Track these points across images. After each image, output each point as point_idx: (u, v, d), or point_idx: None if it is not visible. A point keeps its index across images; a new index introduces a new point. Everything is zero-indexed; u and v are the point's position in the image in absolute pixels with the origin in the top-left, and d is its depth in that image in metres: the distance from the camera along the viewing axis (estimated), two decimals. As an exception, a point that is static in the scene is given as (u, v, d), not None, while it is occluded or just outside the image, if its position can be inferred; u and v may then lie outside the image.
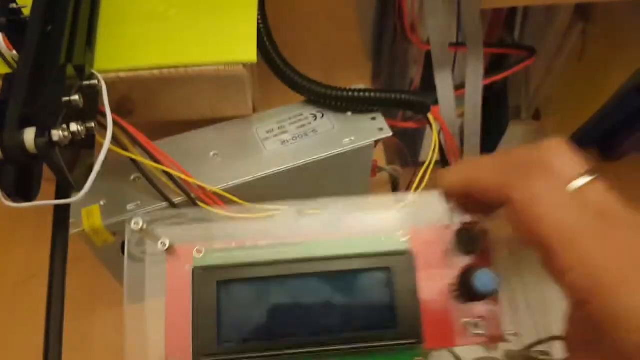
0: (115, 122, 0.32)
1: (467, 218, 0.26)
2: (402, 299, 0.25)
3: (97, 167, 0.29)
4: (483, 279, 0.24)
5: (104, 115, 0.31)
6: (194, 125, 0.40)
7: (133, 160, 0.34)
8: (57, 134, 0.26)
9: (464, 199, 0.25)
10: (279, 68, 0.39)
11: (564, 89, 0.62)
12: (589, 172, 0.22)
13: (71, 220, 0.33)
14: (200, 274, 0.25)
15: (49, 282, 0.30)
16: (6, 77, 0.29)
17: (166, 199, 0.35)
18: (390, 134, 0.40)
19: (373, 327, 0.25)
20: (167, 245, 0.25)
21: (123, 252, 0.35)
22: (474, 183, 0.24)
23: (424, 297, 0.25)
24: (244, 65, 0.36)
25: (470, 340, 0.26)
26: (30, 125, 0.26)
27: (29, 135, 0.26)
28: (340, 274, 0.25)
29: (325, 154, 0.39)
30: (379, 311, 0.25)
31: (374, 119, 0.41)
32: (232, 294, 0.25)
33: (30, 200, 0.28)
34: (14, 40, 0.32)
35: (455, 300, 0.26)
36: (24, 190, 0.28)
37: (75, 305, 0.44)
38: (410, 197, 0.28)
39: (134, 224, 0.25)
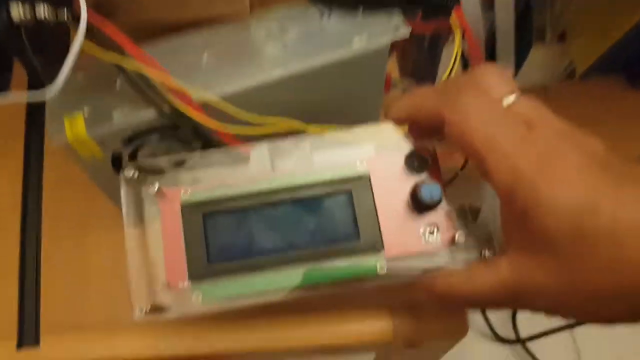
0: (89, 25, 0.28)
1: (417, 143, 0.31)
2: (362, 216, 0.30)
3: (71, 56, 0.25)
4: (428, 191, 0.29)
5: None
6: (185, 28, 0.36)
7: (116, 65, 0.31)
8: (16, 11, 0.22)
9: (415, 127, 0.30)
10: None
11: (591, 10, 0.58)
12: (517, 90, 0.26)
13: (52, 131, 0.30)
14: (188, 209, 0.30)
15: (23, 195, 0.27)
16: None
17: (154, 105, 0.32)
18: (408, 33, 0.35)
19: (340, 240, 0.30)
20: (157, 188, 0.29)
21: (113, 166, 0.32)
22: (416, 111, 0.28)
23: (382, 213, 0.30)
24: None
25: (424, 245, 0.30)
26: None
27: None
28: (309, 199, 0.30)
29: (334, 56, 0.34)
30: (344, 227, 0.30)
31: (389, 17, 0.36)
32: (217, 224, 0.29)
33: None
34: None
35: (410, 213, 0.30)
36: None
37: (69, 228, 0.43)
38: (368, 129, 0.31)
39: (127, 172, 0.29)
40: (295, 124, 0.33)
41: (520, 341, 1.08)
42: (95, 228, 0.44)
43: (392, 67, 0.48)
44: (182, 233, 0.29)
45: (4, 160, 0.47)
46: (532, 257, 0.24)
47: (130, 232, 0.30)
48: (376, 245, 0.30)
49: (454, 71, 0.38)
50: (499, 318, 1.10)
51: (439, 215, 0.30)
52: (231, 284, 0.29)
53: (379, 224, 0.30)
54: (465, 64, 0.44)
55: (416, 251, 0.30)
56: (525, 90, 0.28)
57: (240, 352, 0.35)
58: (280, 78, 0.34)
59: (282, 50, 0.35)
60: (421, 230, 0.30)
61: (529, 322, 1.09)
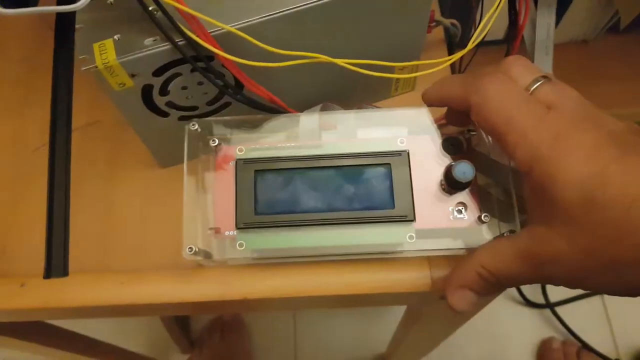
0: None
1: (453, 128, 0.33)
2: (399, 188, 0.32)
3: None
4: (462, 170, 0.31)
5: None
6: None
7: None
8: None
9: (450, 112, 0.33)
10: None
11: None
12: (543, 78, 0.28)
13: (82, 57, 0.30)
14: (242, 165, 0.33)
15: (52, 115, 0.26)
16: None
17: (167, 36, 0.31)
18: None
19: (376, 207, 0.32)
20: (216, 142, 0.33)
21: (143, 99, 0.34)
22: (446, 97, 0.31)
23: (417, 188, 0.32)
24: None
25: (453, 222, 0.32)
26: None
27: None
28: (351, 168, 0.33)
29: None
30: (380, 196, 0.32)
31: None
32: (266, 180, 0.33)
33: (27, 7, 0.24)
34: None
35: (442, 191, 0.33)
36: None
37: (98, 168, 0.42)
38: (409, 110, 0.34)
39: (192, 125, 0.33)
40: (322, 57, 0.33)
41: (549, 306, 1.07)
42: (124, 168, 0.43)
43: (434, 6, 0.45)
44: (234, 185, 0.32)
45: (35, 94, 0.46)
46: (550, 227, 0.25)
47: (188, 180, 0.33)
48: (408, 216, 0.32)
49: (498, 10, 0.36)
50: (529, 283, 1.09)
51: (468, 196, 0.32)
52: (273, 236, 0.32)
53: (412, 197, 0.32)
54: (512, 3, 0.42)
55: (444, 227, 0.32)
56: (565, 44, 0.27)
57: (273, 298, 0.35)
58: (322, 3, 0.32)
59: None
60: (450, 208, 0.32)
61: (559, 287, 1.07)
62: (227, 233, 0.32)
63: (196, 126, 0.33)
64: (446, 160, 0.33)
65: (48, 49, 0.31)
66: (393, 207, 0.32)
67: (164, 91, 0.34)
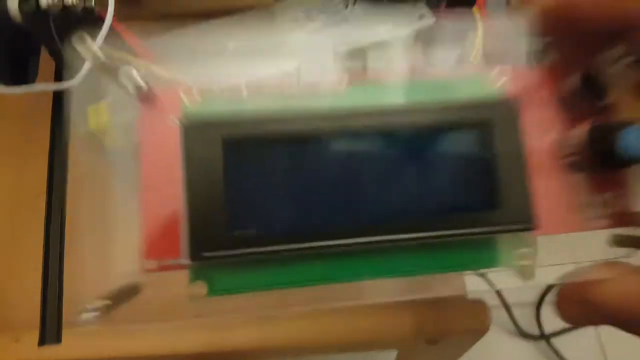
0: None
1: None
2: (504, 168, 0.17)
3: (98, 41, 0.25)
4: (633, 138, 0.16)
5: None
6: (214, 16, 0.35)
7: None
8: (44, -1, 0.22)
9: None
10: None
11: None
12: None
13: (76, 121, 0.30)
14: (196, 129, 0.16)
15: (48, 183, 0.27)
16: None
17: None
18: (433, 21, 0.35)
19: (459, 208, 0.17)
20: (141, 86, 0.16)
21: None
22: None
23: (533, 165, 0.18)
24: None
25: (594, 223, 0.19)
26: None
27: (13, 1, 0.22)
28: (406, 132, 0.17)
29: (358, 46, 0.34)
30: (471, 187, 0.17)
31: (414, 5, 0.36)
32: (246, 160, 0.16)
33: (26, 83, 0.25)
34: None
35: (574, 169, 0.18)
36: (19, 74, 0.25)
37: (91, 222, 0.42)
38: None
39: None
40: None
41: (544, 337, 1.07)
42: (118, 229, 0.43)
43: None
44: (181, 174, 0.16)
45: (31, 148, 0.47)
46: None
47: (78, 167, 0.20)
48: (525, 219, 0.17)
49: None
50: (523, 313, 1.09)
51: (618, 179, 0.19)
52: (263, 271, 0.17)
53: (529, 182, 0.18)
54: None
55: (579, 230, 0.19)
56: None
57: (245, 350, 0.32)
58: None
59: (307, 39, 0.34)
60: (589, 197, 0.19)
61: (554, 317, 1.07)
62: (171, 265, 0.17)
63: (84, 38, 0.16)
64: (577, 111, 0.18)
65: (47, 96, 0.32)
66: (494, 206, 0.17)
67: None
